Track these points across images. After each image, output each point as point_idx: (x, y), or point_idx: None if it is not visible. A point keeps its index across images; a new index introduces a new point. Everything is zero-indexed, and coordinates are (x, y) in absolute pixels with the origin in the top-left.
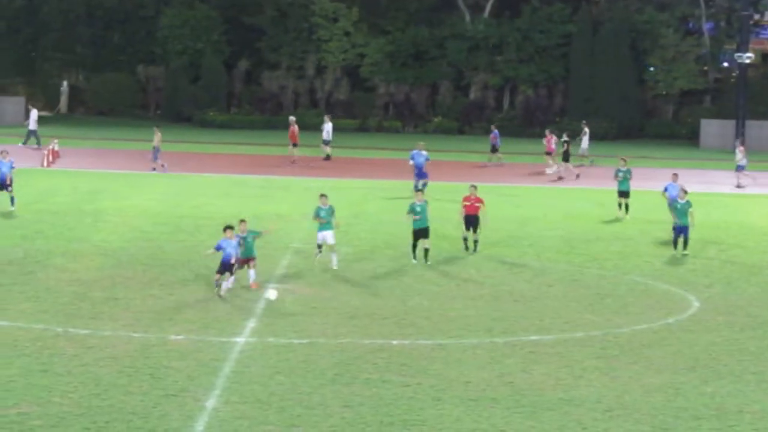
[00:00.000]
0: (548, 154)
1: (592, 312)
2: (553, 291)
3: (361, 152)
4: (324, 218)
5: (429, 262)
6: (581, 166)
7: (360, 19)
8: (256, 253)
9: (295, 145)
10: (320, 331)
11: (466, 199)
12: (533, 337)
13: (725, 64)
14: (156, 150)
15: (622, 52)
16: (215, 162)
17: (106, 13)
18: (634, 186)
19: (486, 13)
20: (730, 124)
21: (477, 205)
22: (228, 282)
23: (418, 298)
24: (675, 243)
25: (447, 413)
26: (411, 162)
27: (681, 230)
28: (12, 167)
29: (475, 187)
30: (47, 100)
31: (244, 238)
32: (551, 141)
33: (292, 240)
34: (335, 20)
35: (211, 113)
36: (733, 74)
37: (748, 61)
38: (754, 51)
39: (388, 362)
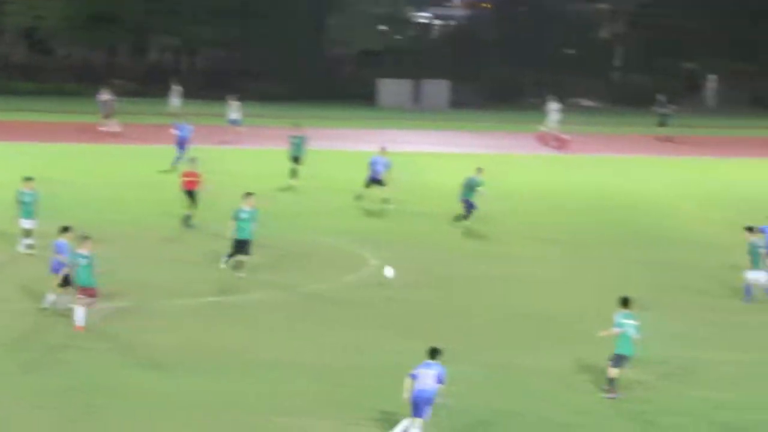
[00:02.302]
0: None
1: (274, 272)
2: None
3: (39, 115)
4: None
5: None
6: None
7: None
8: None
9: None
10: None
11: (185, 174)
12: (216, 299)
13: (408, 24)
14: None
15: (301, 10)
16: None
17: None
18: (316, 146)
19: None
20: (407, 84)
21: (195, 180)
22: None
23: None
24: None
25: (133, 377)
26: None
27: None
28: None
29: (194, 160)
30: None
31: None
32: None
33: None
34: None
35: None
36: (412, 35)
37: (426, 21)
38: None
39: (69, 326)
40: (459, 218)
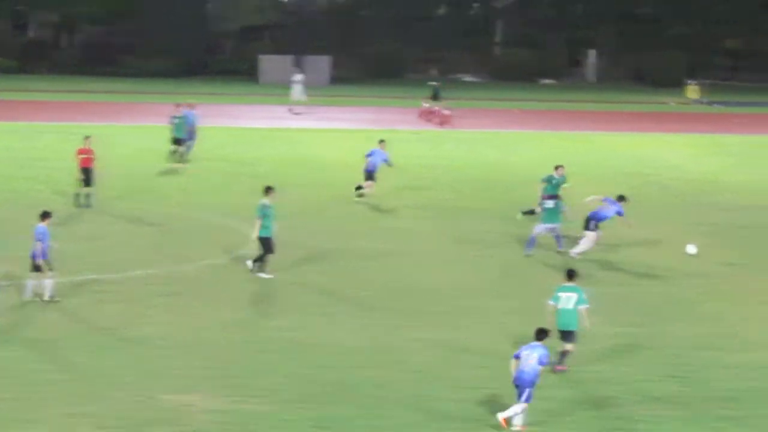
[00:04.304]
0: None
1: (156, 250)
2: (116, 229)
3: None
4: None
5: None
6: None
7: None
8: None
9: None
10: None
11: (81, 152)
12: (98, 276)
13: (284, 0)
14: None
15: None
16: None
17: None
18: (199, 122)
19: None
20: (288, 59)
21: (90, 157)
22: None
23: None
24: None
25: (12, 355)
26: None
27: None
28: None
29: (88, 137)
30: None
31: None
32: None
33: None
34: None
35: None
36: (292, 11)
37: None
38: None
39: None
40: (527, 213)
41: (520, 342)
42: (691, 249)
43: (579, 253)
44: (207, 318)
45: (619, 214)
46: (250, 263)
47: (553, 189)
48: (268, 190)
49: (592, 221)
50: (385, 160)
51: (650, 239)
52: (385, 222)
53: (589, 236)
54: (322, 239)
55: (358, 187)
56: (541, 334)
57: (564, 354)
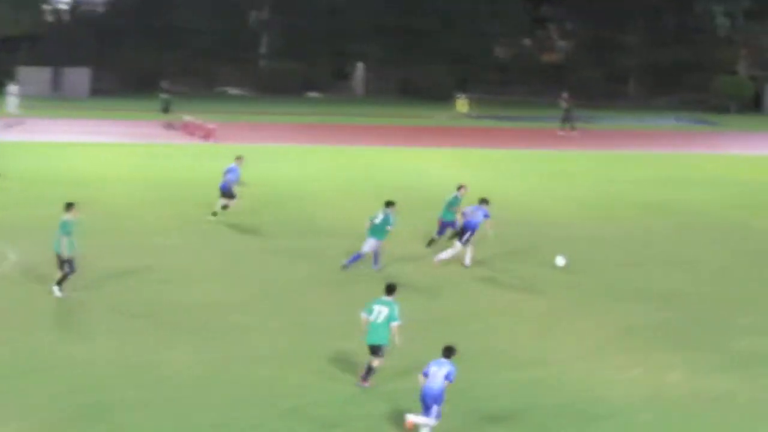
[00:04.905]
0: None
1: None
2: None
3: None
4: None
5: None
6: None
7: None
8: None
9: None
10: None
11: None
12: None
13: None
14: None
15: None
16: None
17: None
18: None
19: None
20: (47, 71)
21: None
22: None
23: None
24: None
25: None
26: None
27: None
28: None
29: None
30: None
31: None
32: None
33: None
34: None
35: None
36: (52, 21)
37: (65, 7)
38: None
39: None
40: (432, 242)
41: (290, 360)
42: (560, 261)
43: (442, 260)
44: None
45: (486, 216)
46: (56, 290)
47: (447, 209)
48: (69, 206)
49: (467, 231)
50: (236, 178)
51: (416, 254)
52: (154, 239)
53: (456, 246)
54: (90, 258)
55: (215, 213)
56: (449, 351)
57: (370, 370)
